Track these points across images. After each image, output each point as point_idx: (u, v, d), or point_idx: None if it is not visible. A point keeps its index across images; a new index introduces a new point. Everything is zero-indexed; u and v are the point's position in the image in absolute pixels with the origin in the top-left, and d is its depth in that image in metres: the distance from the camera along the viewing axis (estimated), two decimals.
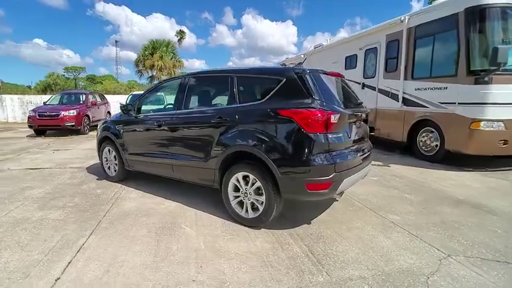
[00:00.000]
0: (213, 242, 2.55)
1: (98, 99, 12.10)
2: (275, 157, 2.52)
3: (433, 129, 5.34)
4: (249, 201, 2.82)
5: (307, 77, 2.66)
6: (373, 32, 6.90)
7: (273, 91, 2.71)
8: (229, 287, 1.92)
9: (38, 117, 9.32)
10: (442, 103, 5.12)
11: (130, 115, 4.04)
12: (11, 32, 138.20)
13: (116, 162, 4.28)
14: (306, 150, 2.44)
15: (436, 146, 5.32)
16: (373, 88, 6.79)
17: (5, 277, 2.03)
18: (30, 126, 9.64)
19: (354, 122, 2.93)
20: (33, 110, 9.67)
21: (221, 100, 3.36)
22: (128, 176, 4.41)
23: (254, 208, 2.81)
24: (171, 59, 28.13)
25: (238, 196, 2.88)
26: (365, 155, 3.02)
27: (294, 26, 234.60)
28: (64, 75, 53.20)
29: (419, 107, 5.57)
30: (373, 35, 6.86)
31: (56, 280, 2.00)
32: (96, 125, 7.32)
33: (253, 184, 2.75)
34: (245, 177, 2.81)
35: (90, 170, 5.14)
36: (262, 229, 2.78)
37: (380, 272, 2.06)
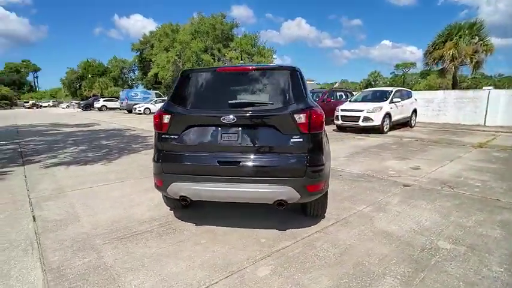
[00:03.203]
0: None
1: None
2: None
3: None
4: None
5: (179, 78, 2.92)
6: None
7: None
8: None
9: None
10: None
11: None
12: (364, 38, 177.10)
13: None
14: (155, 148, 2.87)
15: None
16: None
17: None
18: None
19: (225, 125, 2.56)
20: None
21: None
22: None
23: None
24: (469, 43, 23.61)
25: None
26: (241, 170, 2.50)
27: None
28: (394, 72, 63.54)
29: None
30: None
31: None
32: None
33: None
34: None
35: None
36: None
37: None
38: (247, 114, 2.55)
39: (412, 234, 2.78)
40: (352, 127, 10.70)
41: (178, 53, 32.26)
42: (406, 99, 11.70)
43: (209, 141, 2.61)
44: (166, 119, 2.69)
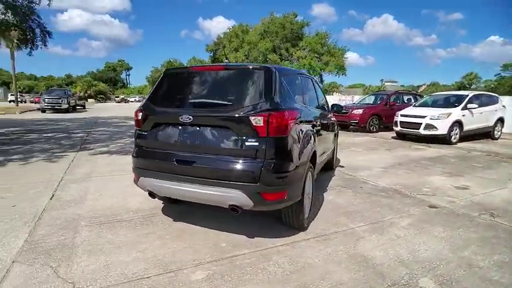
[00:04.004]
0: None
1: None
2: None
3: None
4: None
5: (161, 76, 3.01)
6: None
7: None
8: None
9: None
10: None
11: None
12: (464, 34, 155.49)
13: None
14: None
15: None
16: None
17: None
18: None
19: (191, 124, 2.55)
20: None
21: None
22: None
23: None
24: None
25: None
26: (196, 170, 2.48)
27: None
28: (500, 74, 53.79)
29: None
30: None
31: None
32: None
33: None
34: None
35: None
36: None
37: None
38: (204, 115, 2.54)
39: (394, 264, 2.35)
40: (412, 135, 9.48)
41: (246, 54, 33.50)
42: (488, 105, 9.80)
43: (170, 140, 2.68)
44: (140, 116, 2.85)
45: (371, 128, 11.82)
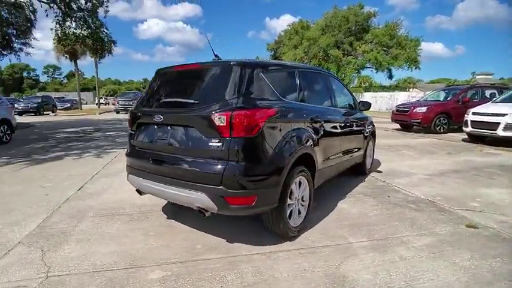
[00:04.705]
0: None
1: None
2: None
3: None
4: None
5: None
6: None
7: None
8: None
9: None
10: None
11: None
12: None
13: None
14: None
15: None
16: None
17: None
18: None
19: (164, 123, 2.59)
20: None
21: None
22: None
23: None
24: None
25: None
26: (170, 170, 2.51)
27: None
28: None
29: None
30: None
31: None
32: None
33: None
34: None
35: None
36: None
37: None
38: (172, 114, 2.54)
39: None
40: (487, 136, 7.97)
41: (305, 50, 32.80)
42: None
43: (148, 139, 2.77)
44: (129, 116, 3.02)
45: (437, 128, 10.35)
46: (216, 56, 2.89)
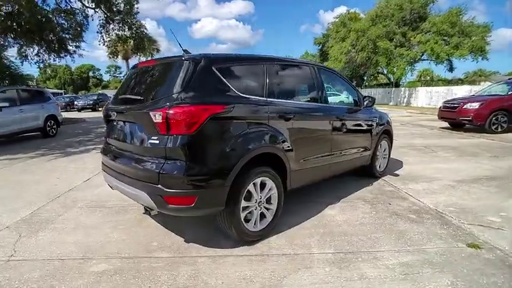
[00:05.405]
0: None
1: None
2: None
3: None
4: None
5: None
6: None
7: None
8: None
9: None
10: None
11: None
12: None
13: None
14: None
15: None
16: None
17: None
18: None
19: (120, 120, 2.68)
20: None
21: None
22: None
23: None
24: None
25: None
26: (123, 167, 2.52)
27: None
28: None
29: None
30: None
31: None
32: None
33: None
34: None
35: None
36: None
37: None
38: (123, 112, 2.57)
39: None
40: None
41: (353, 43, 31.06)
42: None
43: (111, 136, 2.86)
44: (102, 113, 3.14)
45: (493, 128, 8.97)
46: (184, 50, 2.84)
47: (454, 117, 9.57)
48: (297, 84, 3.27)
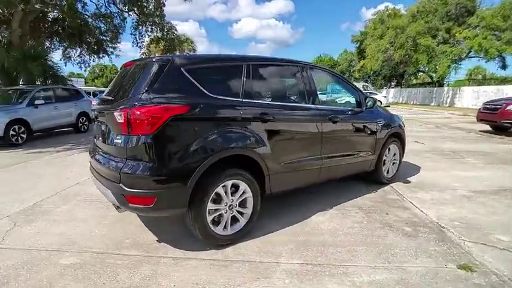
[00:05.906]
0: None
1: None
2: None
3: None
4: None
5: None
6: None
7: None
8: None
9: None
10: None
11: None
12: None
13: None
14: None
15: None
16: None
17: None
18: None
19: (99, 120, 2.73)
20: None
21: None
22: None
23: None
24: None
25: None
26: (98, 166, 2.55)
27: None
28: None
29: None
30: None
31: None
32: None
33: None
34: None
35: None
36: None
37: None
38: (99, 111, 2.66)
39: None
40: None
41: (391, 40, 29.42)
42: None
43: (95, 135, 2.95)
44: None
45: None
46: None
47: (495, 120, 8.63)
48: (280, 85, 3.14)
